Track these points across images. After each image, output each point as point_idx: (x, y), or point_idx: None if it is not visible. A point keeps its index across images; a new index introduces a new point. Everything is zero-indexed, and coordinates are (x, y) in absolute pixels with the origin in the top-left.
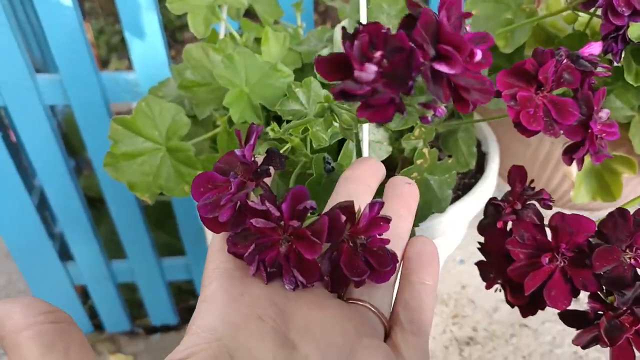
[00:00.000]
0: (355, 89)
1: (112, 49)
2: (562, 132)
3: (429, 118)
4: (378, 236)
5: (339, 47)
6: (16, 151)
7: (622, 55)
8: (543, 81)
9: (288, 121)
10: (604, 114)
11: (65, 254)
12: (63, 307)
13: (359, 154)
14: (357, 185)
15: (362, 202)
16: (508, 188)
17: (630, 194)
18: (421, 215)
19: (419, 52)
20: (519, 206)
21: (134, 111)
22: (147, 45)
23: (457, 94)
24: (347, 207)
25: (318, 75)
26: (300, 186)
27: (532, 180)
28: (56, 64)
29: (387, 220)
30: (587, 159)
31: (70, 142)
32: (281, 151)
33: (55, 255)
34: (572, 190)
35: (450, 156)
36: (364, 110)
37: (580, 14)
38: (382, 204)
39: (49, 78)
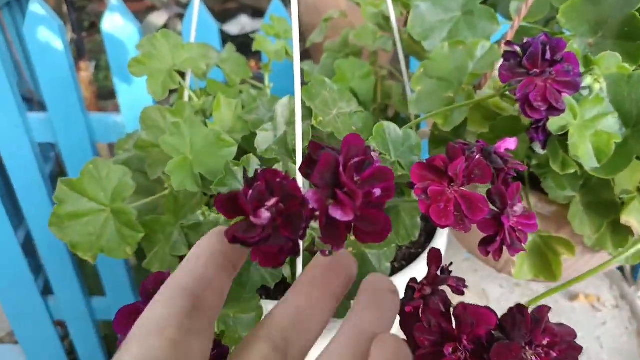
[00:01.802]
0: (247, 237)
1: None
2: (473, 225)
3: (327, 252)
4: None
5: (280, 121)
6: (4, 187)
7: (547, 143)
8: (453, 177)
9: None
10: (518, 207)
11: (46, 289)
12: (42, 342)
13: None
14: (311, 295)
15: (318, 319)
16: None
17: (581, 270)
18: (357, 290)
19: (314, 197)
20: (427, 291)
21: (81, 173)
22: (135, 90)
23: (356, 232)
24: None
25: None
26: None
27: (451, 263)
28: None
29: None
30: (531, 237)
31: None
32: None
33: (36, 289)
34: (513, 267)
35: None
36: (256, 255)
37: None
38: None
39: (38, 116)
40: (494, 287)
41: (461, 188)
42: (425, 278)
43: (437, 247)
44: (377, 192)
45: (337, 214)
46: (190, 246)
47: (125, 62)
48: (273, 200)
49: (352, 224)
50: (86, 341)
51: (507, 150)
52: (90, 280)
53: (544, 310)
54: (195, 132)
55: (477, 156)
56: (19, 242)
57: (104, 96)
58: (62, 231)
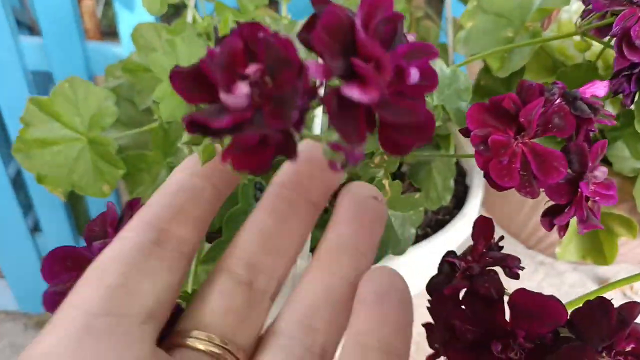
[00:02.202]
0: (210, 120)
1: None
2: (542, 190)
3: (338, 165)
4: None
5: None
6: None
7: (635, 99)
8: (525, 124)
9: None
10: (600, 172)
11: (35, 226)
12: (28, 278)
13: None
14: (290, 201)
15: (292, 235)
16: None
17: (625, 257)
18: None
19: (319, 68)
20: (475, 270)
21: (53, 92)
22: (136, 19)
23: (382, 131)
24: None
25: None
26: None
27: (502, 237)
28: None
29: None
30: None
31: None
32: None
33: (24, 226)
34: (557, 246)
35: (418, 190)
36: (228, 153)
37: (594, 41)
38: None
39: (32, 41)
40: None
41: (532, 140)
42: (471, 254)
43: (469, 215)
44: (414, 73)
45: (353, 92)
46: None
47: None
48: (255, 68)
49: (376, 114)
50: None
51: (593, 97)
52: (80, 220)
53: (634, 309)
54: (194, 54)
55: (558, 100)
56: (9, 178)
57: (112, 34)
58: (29, 160)
